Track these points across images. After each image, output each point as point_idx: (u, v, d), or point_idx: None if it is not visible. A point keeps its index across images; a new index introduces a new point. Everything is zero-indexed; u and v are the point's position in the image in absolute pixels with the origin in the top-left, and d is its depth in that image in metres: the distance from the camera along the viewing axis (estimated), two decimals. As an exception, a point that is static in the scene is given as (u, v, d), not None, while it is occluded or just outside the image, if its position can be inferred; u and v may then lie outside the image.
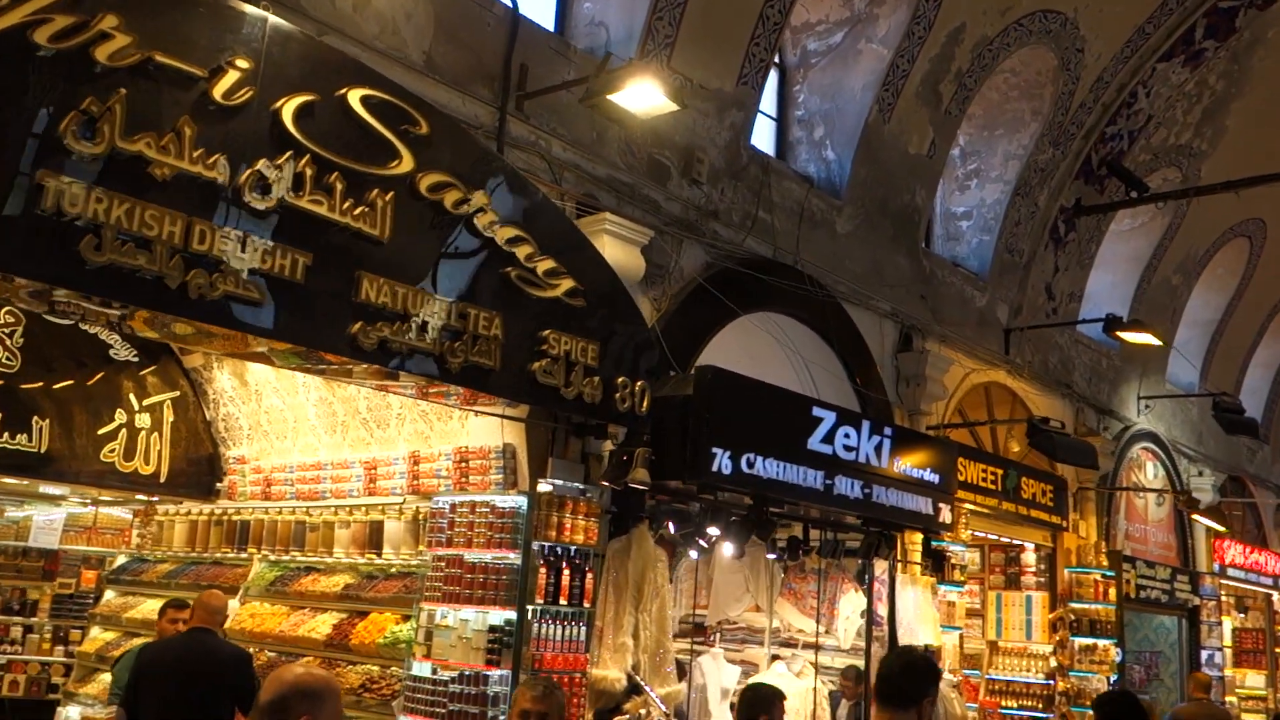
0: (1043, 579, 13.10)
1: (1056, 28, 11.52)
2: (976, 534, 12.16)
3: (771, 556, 10.00)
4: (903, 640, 9.73)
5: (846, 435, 8.58)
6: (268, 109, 5.28)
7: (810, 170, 10.38)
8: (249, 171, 5.16)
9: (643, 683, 7.18)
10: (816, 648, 9.98)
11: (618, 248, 7.52)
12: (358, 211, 5.55)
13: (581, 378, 6.59)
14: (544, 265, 6.45)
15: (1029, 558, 13.23)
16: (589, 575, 7.11)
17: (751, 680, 9.14)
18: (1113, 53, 12.20)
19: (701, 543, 8.90)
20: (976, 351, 11.91)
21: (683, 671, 9.07)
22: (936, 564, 9.85)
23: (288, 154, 5.31)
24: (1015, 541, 12.95)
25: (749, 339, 9.41)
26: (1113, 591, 13.08)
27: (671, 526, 8.42)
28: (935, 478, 9.52)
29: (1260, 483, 19.13)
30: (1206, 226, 15.52)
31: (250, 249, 5.12)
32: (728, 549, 10.35)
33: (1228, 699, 16.25)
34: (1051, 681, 12.68)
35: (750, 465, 7.68)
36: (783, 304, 9.39)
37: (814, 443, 8.27)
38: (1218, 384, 16.84)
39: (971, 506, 11.24)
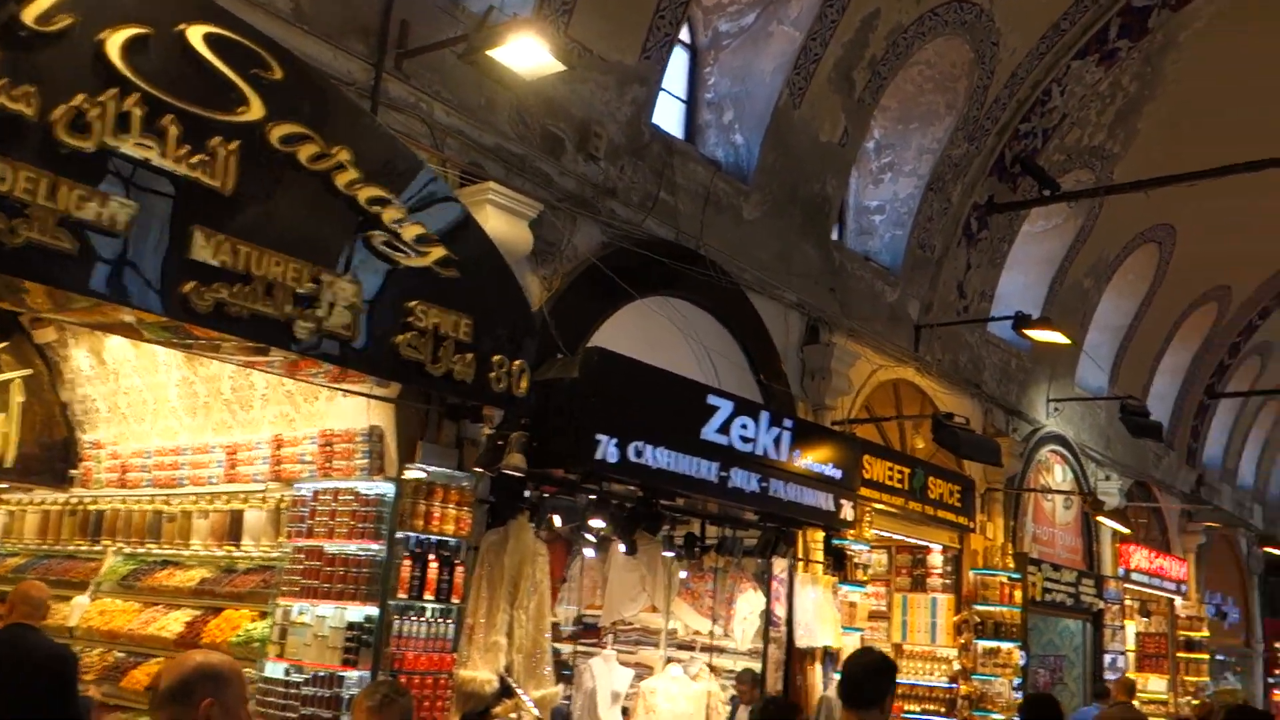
0: (949, 581, 12.89)
1: (971, 19, 11.29)
2: (882, 534, 11.88)
3: (669, 554, 9.62)
4: (800, 643, 9.38)
5: (744, 426, 8.19)
6: (90, 39, 4.70)
7: (719, 155, 10.00)
8: (64, 108, 4.58)
9: (515, 685, 6.70)
10: (711, 649, 9.58)
11: (502, 220, 7.03)
12: (195, 160, 4.98)
13: (452, 354, 6.09)
14: (412, 231, 5.94)
15: (935, 559, 13.01)
16: (459, 569, 6.61)
17: (766, 698, 8.53)
18: (1028, 48, 12.02)
19: (591, 538, 8.46)
20: (885, 348, 11.64)
21: (565, 673, 8.58)
22: (838, 563, 9.51)
23: (112, 91, 4.73)
24: (922, 542, 12.71)
25: (647, 324, 8.99)
26: (1018, 594, 12.90)
27: (558, 520, 7.96)
28: (837, 473, 9.19)
29: (1166, 488, 19.24)
30: (1118, 230, 15.48)
31: (62, 193, 4.54)
32: (624, 546, 9.97)
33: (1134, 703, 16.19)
34: (955, 685, 12.45)
35: (639, 454, 7.26)
36: (684, 289, 8.98)
37: (709, 433, 7.87)
38: (1126, 389, 16.85)
39: (878, 505, 10.96)
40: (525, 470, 6.60)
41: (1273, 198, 16.82)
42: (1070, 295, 15.33)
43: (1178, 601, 19.04)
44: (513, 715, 6.62)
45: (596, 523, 7.55)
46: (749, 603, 9.65)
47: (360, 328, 5.68)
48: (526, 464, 6.57)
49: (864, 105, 10.71)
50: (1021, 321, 11.24)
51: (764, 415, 8.40)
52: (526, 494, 7.53)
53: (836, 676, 9.57)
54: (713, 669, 9.40)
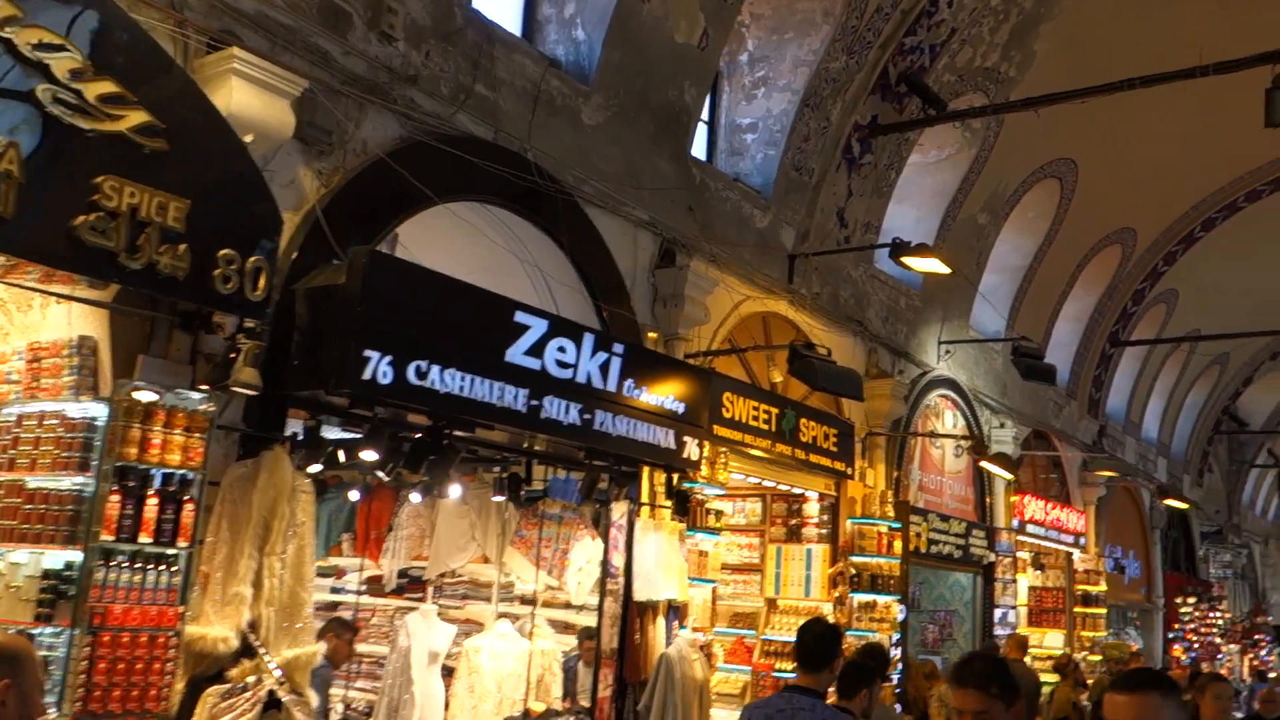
0: (825, 531, 12.07)
1: (850, -84, 10.31)
2: (748, 478, 11.02)
3: (499, 499, 8.63)
4: (639, 595, 8.45)
5: (561, 349, 7.18)
6: None
7: (559, 52, 8.90)
8: None
9: (257, 643, 5.66)
10: (535, 602, 8.64)
11: (252, 95, 5.90)
12: None
13: (157, 243, 4.98)
14: (98, 88, 4.81)
15: (811, 508, 12.18)
16: (189, 507, 5.53)
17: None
18: (913, -47, 11.08)
19: (384, 477, 7.40)
20: (755, 277, 10.69)
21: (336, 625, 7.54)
22: (681, 507, 8.58)
23: None
24: (796, 490, 11.86)
25: (464, 235, 7.96)
26: (898, 544, 12.12)
27: (344, 455, 6.90)
28: (679, 407, 8.23)
29: (1066, 438, 18.68)
30: (1016, 164, 14.69)
31: None
32: (453, 491, 8.96)
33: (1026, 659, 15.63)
34: (828, 641, 11.63)
35: (422, 376, 6.21)
36: (507, 198, 7.91)
37: (516, 355, 6.84)
38: (1025, 334, 16.12)
39: (748, 449, 10.06)
40: (260, 388, 5.52)
41: (1176, 138, 16.20)
42: (965, 231, 14.53)
43: (1076, 555, 18.54)
44: (251, 678, 5.58)
45: (368, 455, 6.48)
46: (585, 551, 8.71)
47: (20, 202, 4.55)
48: (261, 380, 5.49)
49: (727, 5, 9.67)
50: (899, 249, 10.35)
51: (587, 338, 7.39)
52: (303, 423, 6.50)
53: (683, 633, 8.69)
54: (532, 622, 8.47)
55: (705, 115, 11.21)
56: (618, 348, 7.65)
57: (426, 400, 6.29)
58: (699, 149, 11.01)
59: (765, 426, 10.47)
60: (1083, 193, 16.19)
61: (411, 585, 9.35)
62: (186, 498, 5.53)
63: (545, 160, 8.23)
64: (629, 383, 7.74)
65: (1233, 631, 28.70)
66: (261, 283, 5.40)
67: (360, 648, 9.38)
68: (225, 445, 6.00)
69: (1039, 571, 17.21)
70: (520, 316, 6.89)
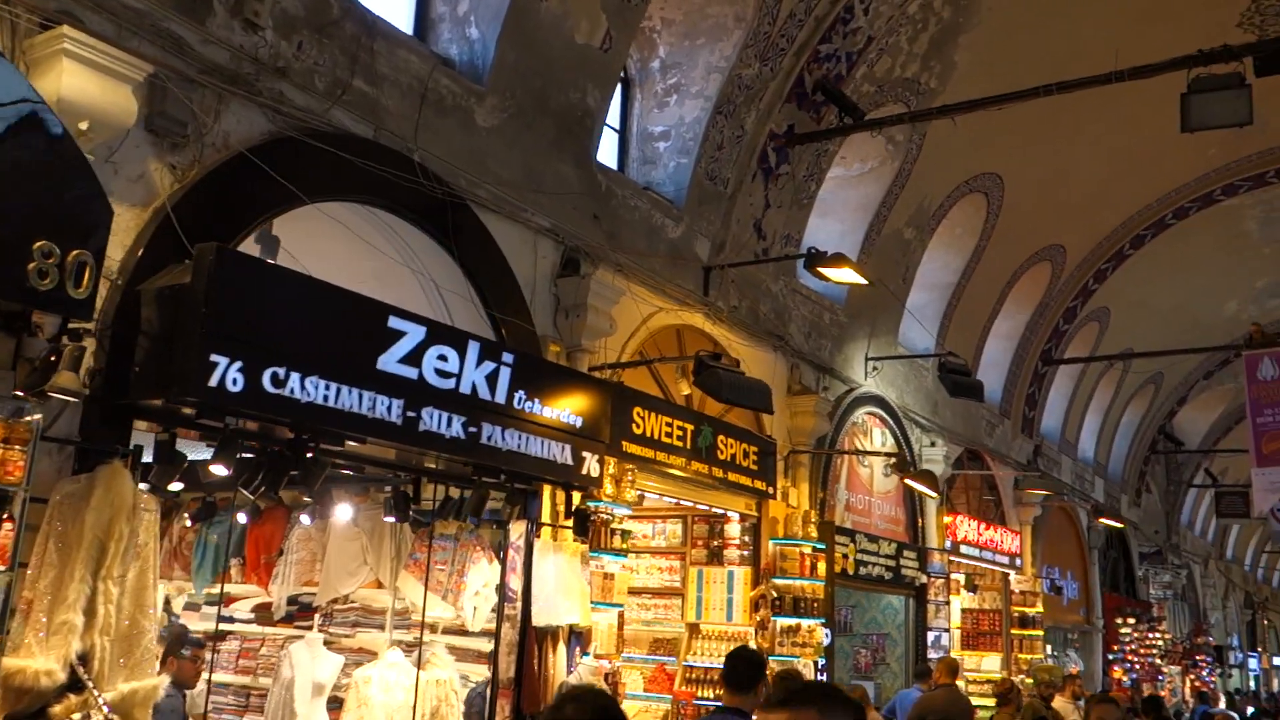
0: (747, 553, 11.66)
1: (758, -82, 10.06)
2: (668, 499, 10.61)
3: (390, 519, 8.15)
4: (538, 620, 7.98)
5: (442, 358, 6.74)
6: None
7: (452, 51, 8.51)
8: None
9: (86, 677, 5.13)
10: (434, 629, 8.16)
11: (88, 79, 5.44)
12: None
13: (-45, 232, 4.50)
14: (-116, 58, 4.34)
15: (733, 529, 11.77)
16: (7, 526, 5.01)
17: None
18: (825, -43, 10.84)
19: (265, 498, 6.89)
20: (667, 288, 10.32)
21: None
22: (581, 527, 8.13)
23: None
24: (717, 510, 11.46)
25: (345, 241, 7.52)
26: (821, 566, 11.75)
27: (202, 472, 6.39)
28: (576, 421, 7.81)
29: (1000, 458, 18.48)
30: (940, 178, 14.51)
31: None
32: (342, 512, 8.48)
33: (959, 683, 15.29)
34: (751, 667, 11.20)
35: (280, 383, 5.74)
36: (386, 199, 7.47)
37: (389, 363, 6.39)
38: (953, 351, 15.90)
39: (655, 466, 9.65)
40: (81, 395, 5.04)
41: (1102, 156, 16.15)
42: (891, 246, 14.29)
43: (1012, 576, 18.29)
44: (76, 715, 5.05)
45: (218, 469, 5.97)
46: (482, 574, 8.24)
47: None
48: (85, 386, 5.00)
49: (631, 5, 9.34)
50: (814, 259, 10.06)
51: (473, 346, 6.95)
52: (156, 438, 6.00)
53: (585, 660, 8.22)
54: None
55: (617, 123, 10.90)
56: (507, 357, 7.23)
57: (285, 410, 5.82)
58: (609, 157, 10.68)
59: (680, 444, 10.08)
60: (1010, 209, 16.07)
61: (302, 613, 8.82)
62: (5, 516, 5.01)
63: (435, 163, 7.82)
64: (520, 394, 7.31)
65: (1174, 652, 28.68)
66: (86, 279, 4.93)
67: (247, 680, 8.85)
68: (58, 459, 5.49)
69: (972, 593, 16.90)
70: (395, 322, 6.45)
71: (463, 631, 8.41)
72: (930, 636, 14.73)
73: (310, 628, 8.61)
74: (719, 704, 5.35)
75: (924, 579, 14.74)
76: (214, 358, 5.45)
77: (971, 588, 16.55)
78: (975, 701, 15.52)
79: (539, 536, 8.16)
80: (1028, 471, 19.19)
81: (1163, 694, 21.71)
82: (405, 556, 8.48)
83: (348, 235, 7.72)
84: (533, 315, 8.60)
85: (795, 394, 12.19)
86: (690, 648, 11.64)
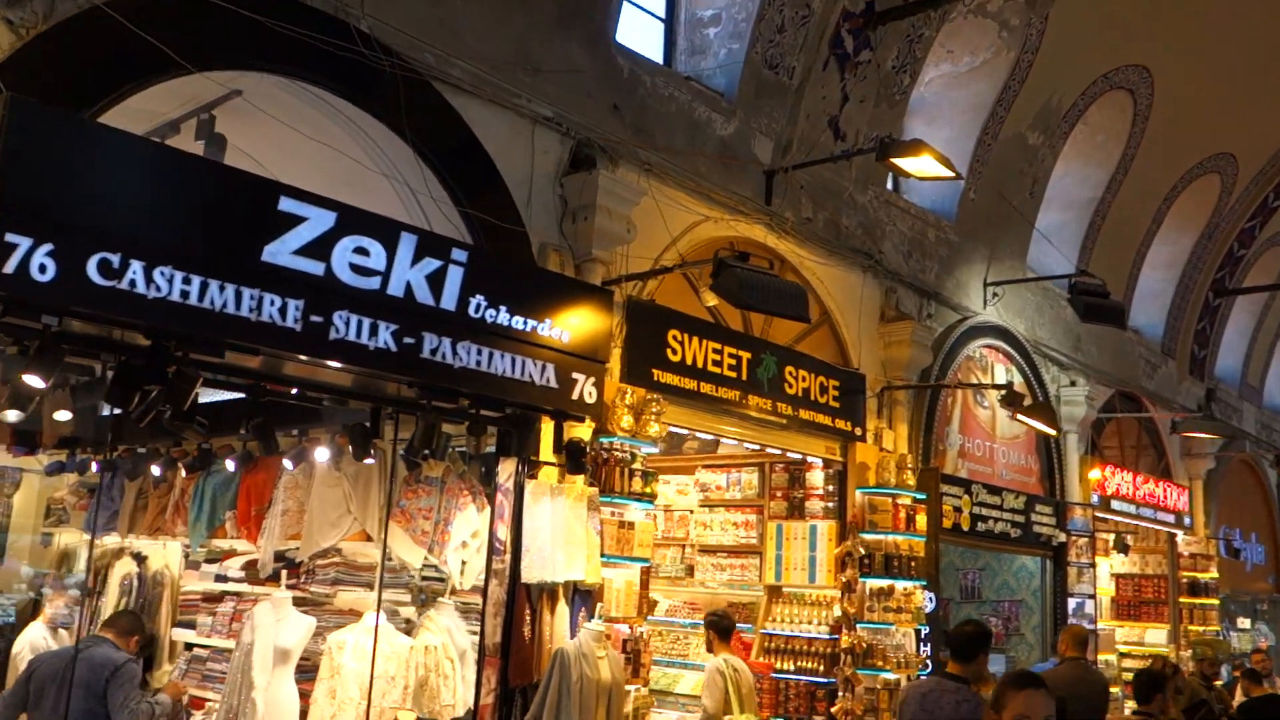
0: (832, 505, 10.08)
1: None
2: (729, 440, 9.17)
3: (370, 461, 7.00)
4: (529, 576, 6.69)
5: (362, 251, 5.49)
6: None
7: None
8: None
9: None
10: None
11: None
12: None
13: None
14: None
15: (816, 477, 10.21)
16: None
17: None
18: None
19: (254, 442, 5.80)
20: (717, 194, 8.81)
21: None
22: (575, 464, 6.78)
23: None
24: (793, 455, 9.91)
25: (300, 143, 6.37)
26: (921, 519, 10.05)
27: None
28: (562, 335, 6.46)
29: (1163, 403, 16.16)
30: (1071, 71, 12.43)
31: None
32: (322, 454, 7.40)
33: (1104, 656, 13.32)
34: (837, 636, 9.68)
35: (113, 274, 4.59)
36: (318, 73, 6.25)
37: (280, 254, 5.18)
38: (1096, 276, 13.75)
39: (697, 399, 8.25)
40: None
41: (1273, 42, 13.70)
42: (1011, 153, 12.32)
43: (1180, 537, 16.01)
44: None
45: (33, 380, 4.83)
46: (469, 523, 7.00)
47: None
48: None
49: None
50: (886, 149, 8.38)
51: (406, 239, 5.67)
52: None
53: (590, 625, 6.86)
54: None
55: (663, 13, 9.44)
56: (458, 254, 5.92)
57: (128, 309, 4.66)
58: (654, 50, 9.24)
59: (732, 374, 8.61)
60: (1162, 110, 13.79)
61: (290, 570, 7.76)
62: None
63: (392, 36, 6.56)
64: (479, 300, 6.00)
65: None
66: None
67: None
68: None
69: (1123, 555, 14.76)
70: (289, 205, 5.21)
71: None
72: (1072, 604, 12.77)
73: (296, 587, 7.55)
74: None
75: (1062, 537, 12.77)
76: (10, 238, 4.32)
77: (1122, 548, 14.41)
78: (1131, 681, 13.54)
79: (534, 478, 6.84)
80: (1200, 422, 16.75)
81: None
82: (395, 505, 7.31)
83: (311, 140, 6.59)
84: (527, 218, 7.25)
85: (889, 321, 10.50)
86: (769, 613, 10.16)
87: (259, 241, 5.08)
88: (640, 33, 9.21)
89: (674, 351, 8.10)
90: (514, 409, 6.38)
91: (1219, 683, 14.08)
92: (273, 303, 5.08)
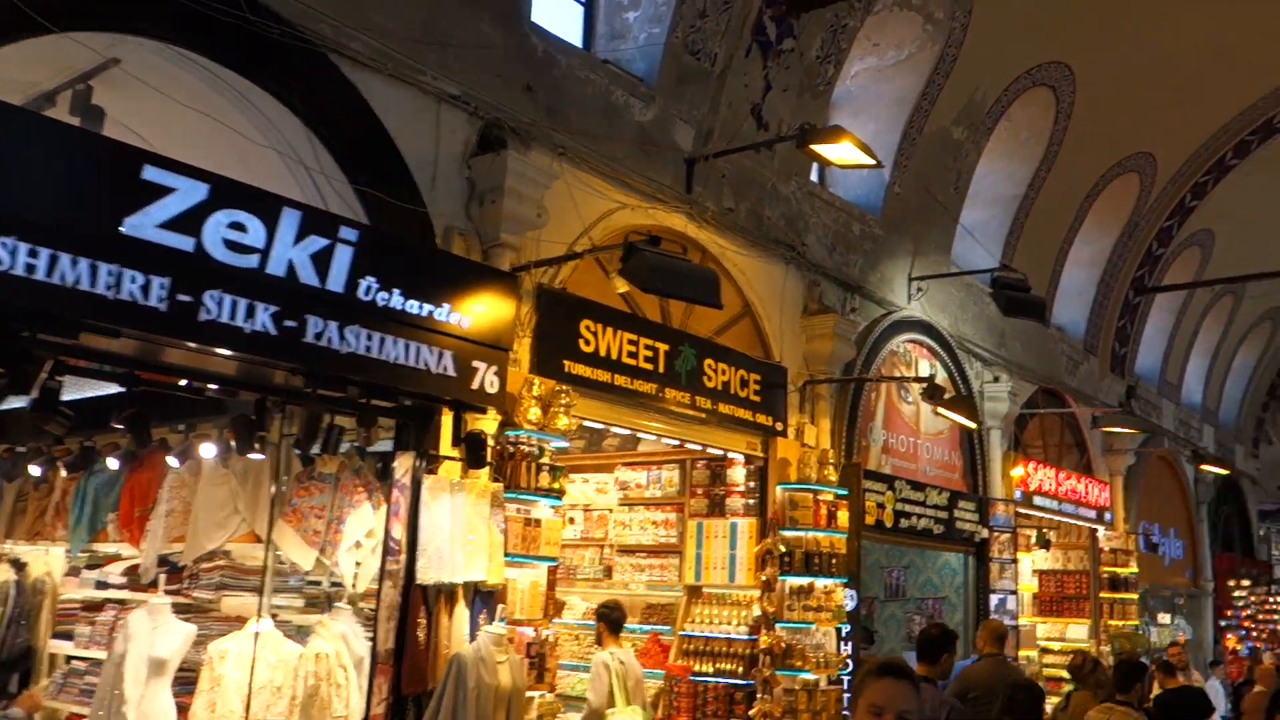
0: (752, 501, 9.86)
1: None
2: (642, 434, 8.90)
3: (258, 457, 6.59)
4: (424, 576, 6.34)
5: (238, 226, 5.12)
6: None
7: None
8: None
9: None
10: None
11: None
12: None
13: None
14: None
15: (737, 474, 9.98)
16: None
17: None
18: None
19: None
20: (634, 181, 8.53)
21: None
22: (475, 457, 6.44)
23: None
24: (714, 450, 9.67)
25: (188, 118, 5.96)
26: (843, 515, 9.86)
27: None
28: (461, 320, 6.13)
29: (1085, 400, 16.21)
30: (994, 67, 12.35)
31: None
32: (208, 450, 6.98)
33: (1025, 653, 13.28)
34: (756, 637, 9.45)
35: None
36: (196, 36, 5.85)
37: (143, 227, 4.81)
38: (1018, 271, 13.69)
39: (611, 392, 7.96)
40: None
41: (1192, 45, 13.78)
42: (936, 148, 12.21)
43: (1101, 532, 16.08)
44: None
45: None
46: (363, 522, 6.62)
47: None
48: None
49: None
50: (806, 135, 8.17)
51: (289, 215, 5.31)
52: None
53: (491, 628, 6.53)
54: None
55: (582, -4, 9.14)
56: (347, 233, 5.56)
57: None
58: (573, 33, 8.93)
59: (649, 366, 8.33)
60: (1084, 109, 13.79)
61: (173, 575, 7.31)
62: None
63: (284, 3, 6.17)
64: (370, 283, 5.65)
65: (1303, 619, 25.91)
66: None
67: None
68: None
69: (1045, 550, 14.78)
70: (154, 174, 4.83)
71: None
72: (994, 600, 12.70)
73: (180, 592, 7.12)
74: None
75: (985, 534, 12.70)
76: None
77: (1044, 543, 14.43)
78: (1052, 677, 13.51)
79: (433, 473, 6.49)
80: (1120, 419, 16.84)
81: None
82: (286, 503, 6.91)
83: (198, 115, 6.19)
84: (431, 200, 6.90)
85: (812, 314, 10.30)
86: (689, 614, 9.90)
87: (119, 213, 4.69)
88: (560, 16, 8.91)
89: (587, 342, 7.80)
90: (409, 398, 6.05)
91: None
92: (134, 279, 4.68)
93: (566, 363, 7.62)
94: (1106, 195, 15.55)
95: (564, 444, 7.40)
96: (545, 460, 7.10)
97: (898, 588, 13.54)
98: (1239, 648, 20.69)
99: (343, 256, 5.49)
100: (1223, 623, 20.94)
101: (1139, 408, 18.23)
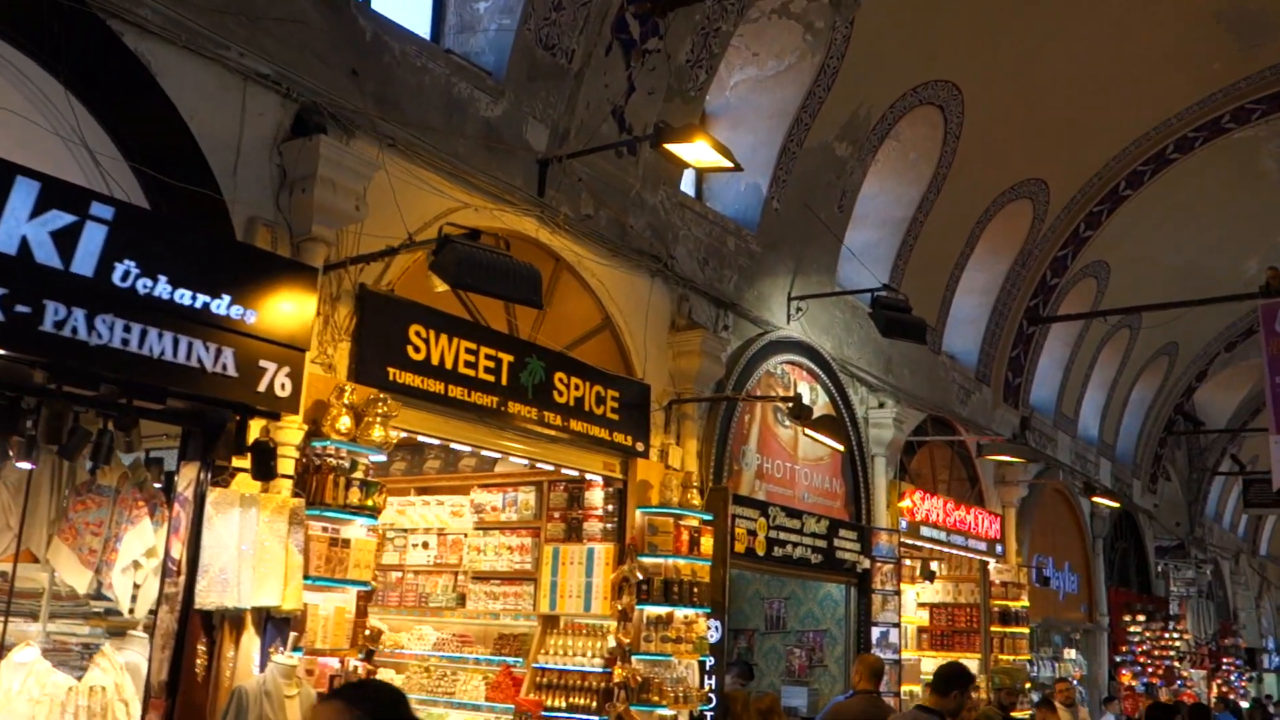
0: (611, 525, 9.30)
1: None
2: (488, 453, 8.30)
3: (25, 465, 5.86)
4: (204, 601, 5.66)
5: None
6: None
7: None
8: None
9: None
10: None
11: None
12: None
13: None
14: None
15: (596, 496, 9.41)
16: None
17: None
18: None
19: None
20: (478, 180, 7.99)
21: None
22: (262, 468, 5.80)
23: None
24: (569, 471, 9.10)
25: None
26: (706, 542, 9.34)
27: None
28: (246, 315, 5.49)
29: (976, 429, 15.95)
30: (879, 82, 12.07)
31: None
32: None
33: (908, 688, 12.86)
34: (611, 670, 8.85)
35: None
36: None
37: None
38: (917, 307, 13.34)
39: (445, 404, 7.37)
40: None
41: (1083, 73, 13.72)
42: (818, 163, 11.86)
43: (992, 565, 15.79)
44: None
45: None
46: (143, 539, 5.93)
47: None
48: None
49: None
50: (661, 134, 7.72)
51: (23, 185, 4.66)
52: None
53: (281, 658, 5.86)
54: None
55: (431, -15, 8.62)
56: (101, 210, 4.92)
57: None
58: (420, 24, 8.41)
59: (490, 378, 7.76)
60: (974, 131, 13.60)
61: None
62: None
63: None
64: (129, 266, 5.00)
65: (1196, 654, 25.98)
66: None
67: None
68: None
69: (929, 581, 14.42)
70: None
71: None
72: (876, 633, 12.27)
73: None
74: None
75: (867, 564, 12.27)
76: None
77: (928, 575, 14.08)
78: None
79: (223, 485, 5.83)
80: (1015, 449, 16.59)
81: (1184, 698, 18.95)
82: (64, 518, 6.20)
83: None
84: (232, 187, 6.27)
85: (680, 330, 9.82)
86: (543, 645, 9.27)
87: None
88: (408, 3, 8.40)
89: (417, 349, 7.21)
90: (180, 400, 5.38)
91: (1024, 713, 13.84)
92: None
93: (391, 370, 7.02)
94: (999, 221, 15.39)
95: (381, 457, 6.77)
96: (358, 475, 6.47)
97: (778, 619, 13.05)
98: (1134, 684, 20.56)
99: (94, 236, 4.84)
100: (1118, 658, 20.79)
101: (1034, 440, 18.05)
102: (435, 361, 7.33)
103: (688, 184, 11.17)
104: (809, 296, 11.79)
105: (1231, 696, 24.78)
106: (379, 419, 6.59)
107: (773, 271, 11.51)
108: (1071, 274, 17.62)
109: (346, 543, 6.37)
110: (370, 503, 6.51)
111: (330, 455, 6.33)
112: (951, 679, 6.30)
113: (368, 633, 6.57)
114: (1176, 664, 22.73)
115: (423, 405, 7.31)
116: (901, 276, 13.81)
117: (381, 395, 6.69)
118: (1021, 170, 15.11)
